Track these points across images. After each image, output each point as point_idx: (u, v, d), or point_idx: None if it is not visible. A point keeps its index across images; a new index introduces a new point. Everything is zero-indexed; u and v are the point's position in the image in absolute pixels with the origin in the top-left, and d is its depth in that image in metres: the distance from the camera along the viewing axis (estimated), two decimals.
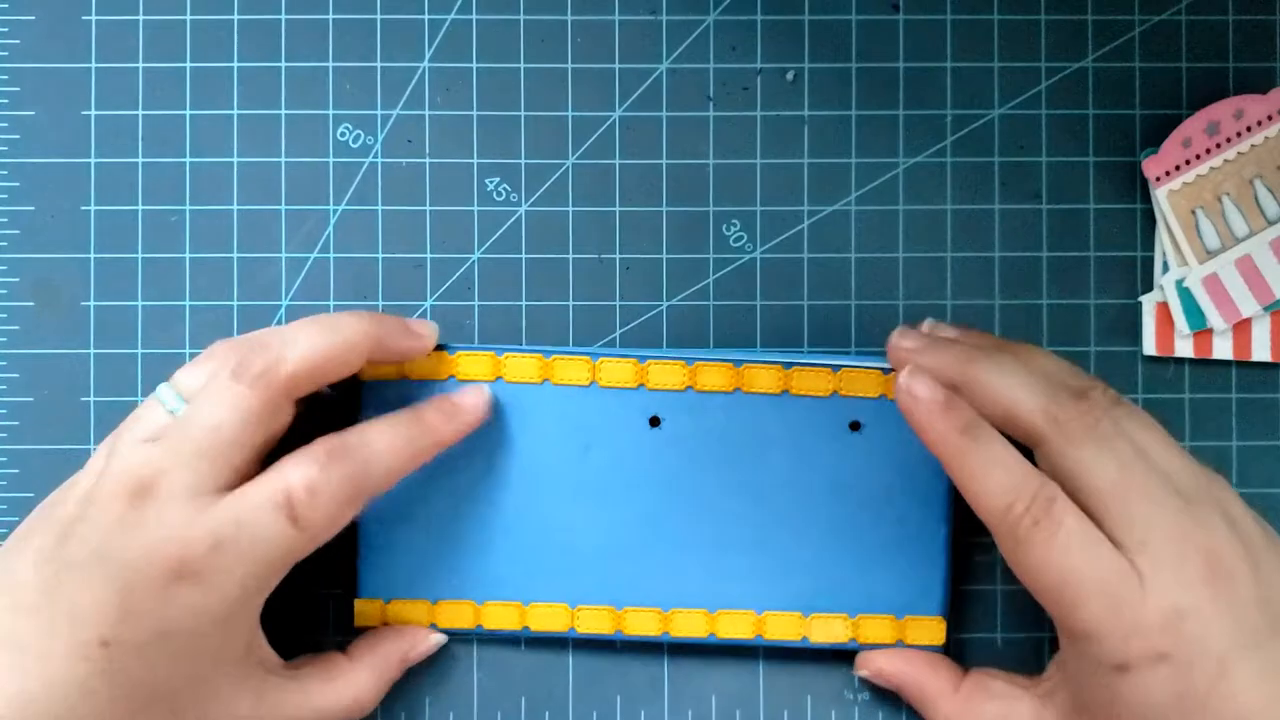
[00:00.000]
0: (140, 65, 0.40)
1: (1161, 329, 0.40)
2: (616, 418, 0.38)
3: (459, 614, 0.38)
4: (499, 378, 0.38)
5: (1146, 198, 0.40)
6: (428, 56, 0.40)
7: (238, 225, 0.40)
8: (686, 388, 0.38)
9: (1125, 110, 0.40)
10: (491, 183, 0.40)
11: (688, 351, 0.38)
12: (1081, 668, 0.33)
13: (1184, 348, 0.40)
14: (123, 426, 0.34)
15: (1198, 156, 0.39)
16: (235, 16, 0.40)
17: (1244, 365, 0.40)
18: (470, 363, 0.38)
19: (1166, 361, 0.40)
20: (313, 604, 0.40)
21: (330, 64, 0.40)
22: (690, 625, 0.38)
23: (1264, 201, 0.39)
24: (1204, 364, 0.40)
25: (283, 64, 0.40)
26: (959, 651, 0.39)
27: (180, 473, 0.32)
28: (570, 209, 0.40)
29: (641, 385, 0.38)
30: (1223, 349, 0.40)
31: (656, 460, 0.38)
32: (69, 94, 0.40)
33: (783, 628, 0.38)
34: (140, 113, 0.40)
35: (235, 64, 0.40)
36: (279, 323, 0.40)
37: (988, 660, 0.39)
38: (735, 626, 0.38)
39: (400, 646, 0.38)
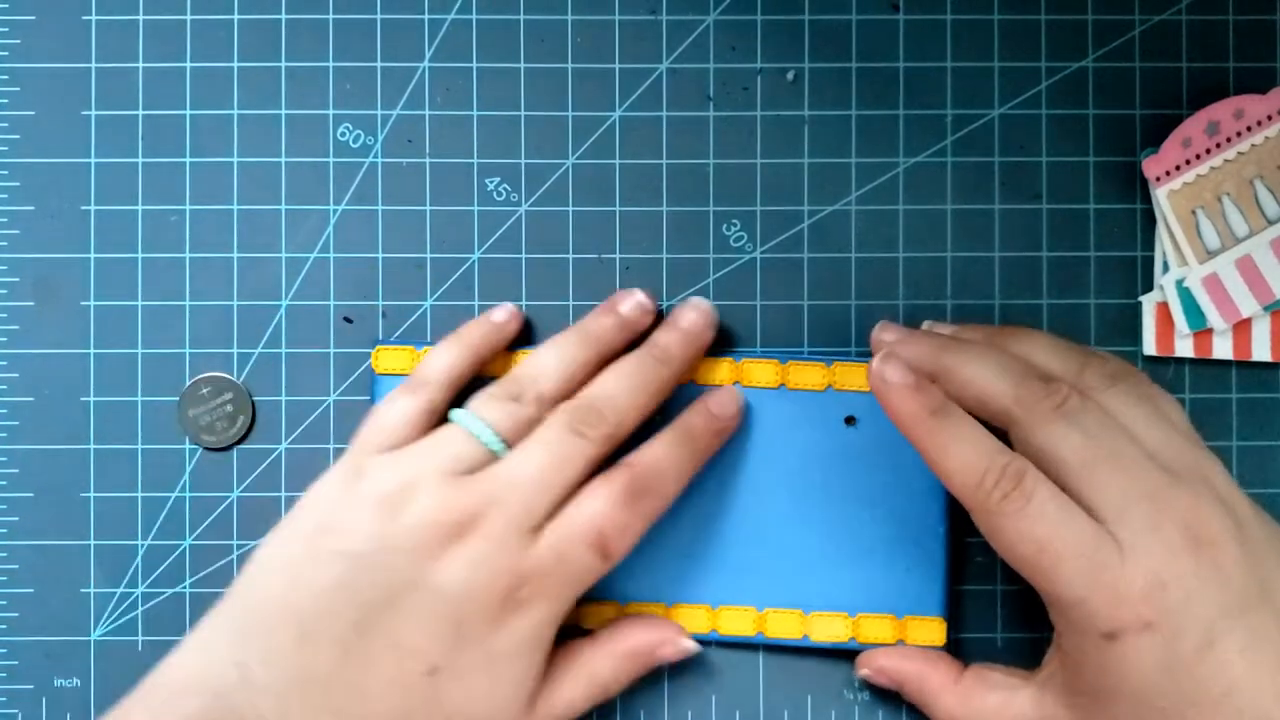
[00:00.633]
0: (140, 65, 0.40)
1: (1162, 329, 0.40)
2: None
3: None
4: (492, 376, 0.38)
5: (1146, 198, 0.40)
6: (428, 56, 0.40)
7: (238, 225, 0.40)
8: (689, 382, 0.38)
9: (1125, 110, 0.40)
10: (491, 183, 0.40)
11: None
12: (1073, 641, 0.33)
13: (1184, 348, 0.40)
14: (416, 455, 0.35)
15: (1198, 156, 0.39)
16: (235, 16, 0.40)
17: (1244, 365, 0.40)
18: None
19: (1167, 361, 0.40)
20: None
21: (330, 64, 0.40)
22: (694, 621, 0.38)
23: (1264, 201, 0.39)
24: (1204, 364, 0.40)
25: (283, 64, 0.40)
26: (959, 651, 0.39)
27: (507, 511, 0.34)
28: (570, 209, 0.40)
29: None
30: (1223, 349, 0.40)
31: None
32: (69, 94, 0.40)
33: (783, 625, 0.38)
34: (140, 113, 0.40)
35: (235, 64, 0.40)
36: (279, 323, 0.40)
37: (987, 660, 0.39)
38: (737, 623, 0.38)
39: (648, 642, 0.37)
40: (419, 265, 0.40)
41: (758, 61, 0.40)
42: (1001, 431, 0.34)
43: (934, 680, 0.37)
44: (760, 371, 0.38)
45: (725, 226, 0.40)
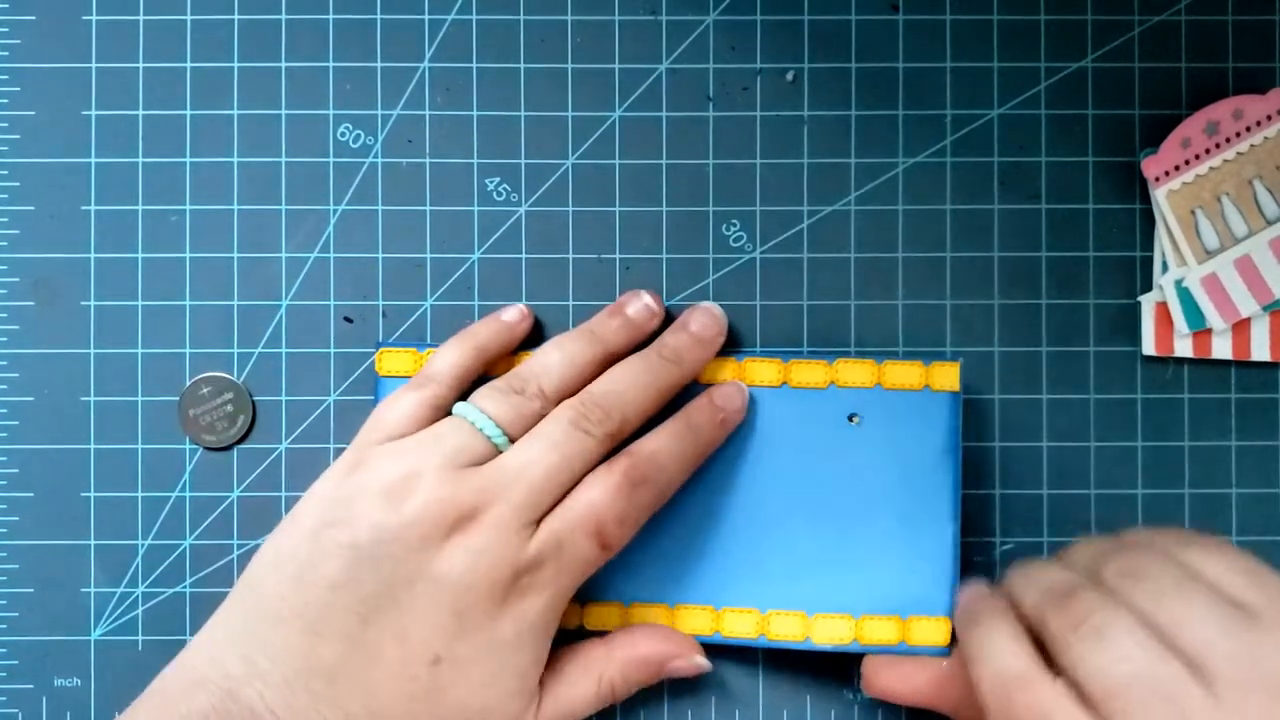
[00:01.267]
0: (140, 65, 0.40)
1: (1161, 329, 0.40)
2: None
3: None
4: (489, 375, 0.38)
5: (1146, 198, 0.40)
6: (428, 56, 0.40)
7: (238, 225, 0.40)
8: (692, 382, 0.38)
9: (1124, 110, 0.40)
10: (491, 183, 0.40)
11: None
12: None
13: (1183, 347, 0.40)
14: (417, 446, 0.35)
15: (1197, 157, 0.39)
16: (235, 16, 0.40)
17: (1243, 365, 0.40)
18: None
19: (1166, 361, 0.40)
20: None
21: (330, 64, 0.40)
22: (697, 623, 0.38)
23: (1263, 201, 0.39)
24: (1203, 364, 0.40)
25: (283, 64, 0.40)
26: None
27: (509, 504, 0.34)
28: (570, 209, 0.40)
29: None
30: (1222, 349, 0.40)
31: None
32: (69, 94, 0.40)
33: (787, 628, 0.38)
34: (140, 113, 0.40)
35: (235, 64, 0.40)
36: (279, 323, 0.40)
37: None
38: (740, 625, 0.38)
39: (660, 654, 0.38)
40: (419, 265, 0.40)
41: (757, 62, 0.40)
42: None
43: (939, 703, 0.37)
44: (762, 370, 0.38)
45: (725, 226, 0.40)
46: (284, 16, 0.40)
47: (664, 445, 0.36)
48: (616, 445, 0.36)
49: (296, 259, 0.40)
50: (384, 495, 0.34)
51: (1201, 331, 0.40)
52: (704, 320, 0.38)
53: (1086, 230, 0.40)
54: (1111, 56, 0.40)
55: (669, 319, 0.39)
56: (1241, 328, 0.40)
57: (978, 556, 0.40)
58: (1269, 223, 0.39)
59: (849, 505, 0.38)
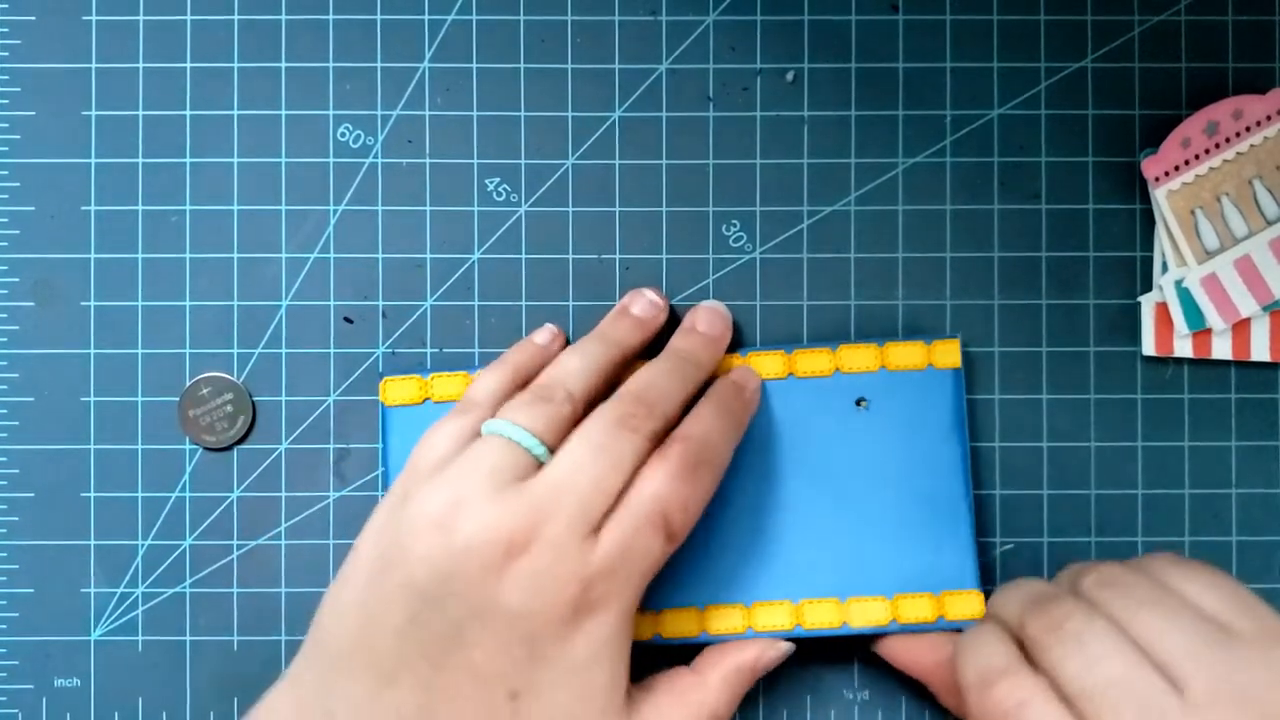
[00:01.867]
0: (140, 65, 0.40)
1: (1161, 329, 0.40)
2: None
3: None
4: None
5: (1146, 198, 0.40)
6: (428, 57, 0.40)
7: (238, 225, 0.40)
8: None
9: (1124, 110, 0.40)
10: (491, 183, 0.40)
11: None
12: None
13: (1183, 348, 0.40)
14: (458, 472, 0.33)
15: (1197, 157, 0.39)
16: (235, 17, 0.40)
17: (1243, 365, 0.40)
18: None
19: (1166, 361, 0.40)
20: None
21: (330, 64, 0.40)
22: (729, 621, 0.38)
23: (1263, 202, 0.39)
24: (1203, 364, 0.40)
25: (283, 64, 0.40)
26: None
27: (564, 518, 0.32)
28: (570, 209, 0.40)
29: None
30: (1222, 349, 0.40)
31: None
32: (69, 94, 0.40)
33: (821, 615, 0.38)
34: (140, 113, 0.40)
35: (235, 64, 0.40)
36: (279, 323, 0.40)
37: None
38: (774, 618, 0.38)
39: (750, 654, 0.37)
40: (419, 265, 0.40)
41: (757, 62, 0.40)
42: None
43: (949, 676, 0.37)
44: (767, 363, 0.39)
45: (725, 227, 0.40)
46: (284, 17, 0.40)
47: (709, 423, 0.35)
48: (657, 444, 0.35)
49: (296, 259, 0.40)
50: (434, 528, 0.32)
51: (1201, 332, 0.40)
52: (710, 319, 0.38)
53: (1086, 230, 0.40)
54: (1111, 56, 0.40)
55: (671, 320, 0.39)
56: (1241, 328, 0.40)
57: (979, 557, 0.40)
58: (1269, 223, 0.39)
59: (866, 488, 0.38)
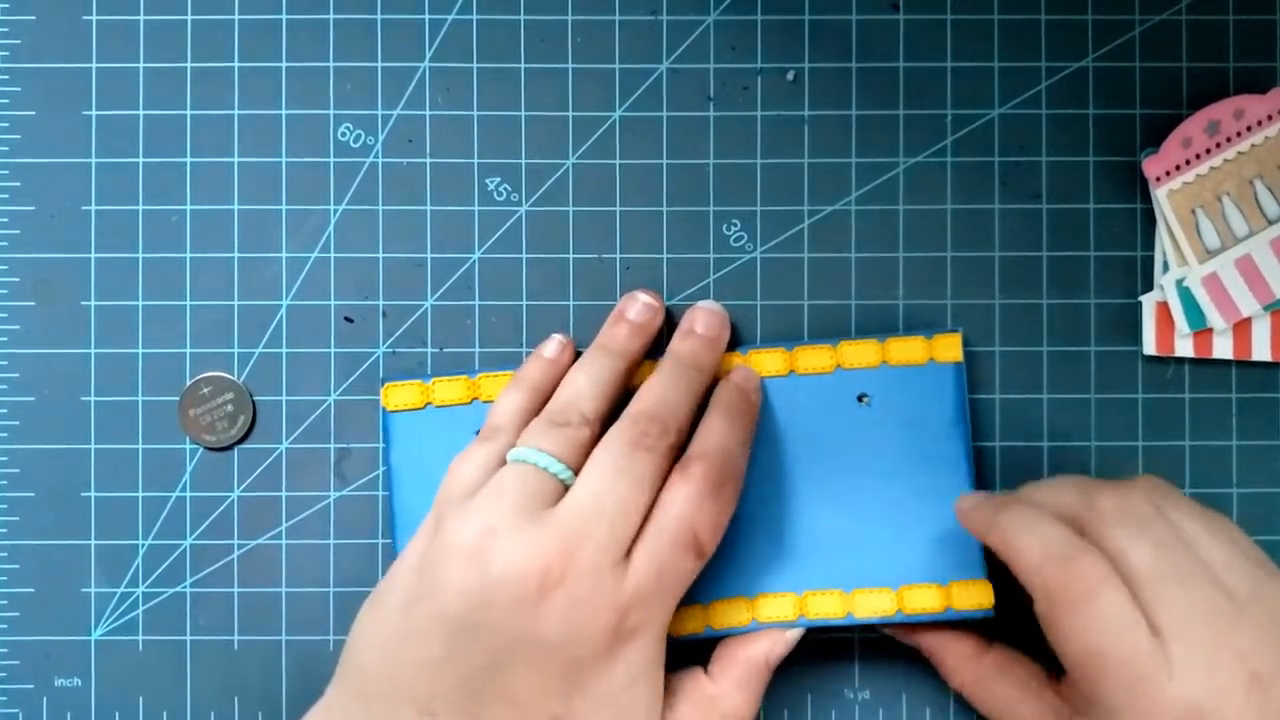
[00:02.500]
0: (141, 65, 0.40)
1: (1162, 328, 0.40)
2: None
3: None
4: (474, 399, 0.39)
5: (1146, 197, 0.40)
6: (428, 56, 0.40)
7: (238, 225, 0.40)
8: None
9: (1125, 110, 0.40)
10: (492, 182, 0.40)
11: None
12: None
13: (1184, 347, 0.40)
14: (487, 502, 0.33)
15: (1198, 156, 0.39)
16: (236, 16, 0.40)
17: (1244, 365, 0.40)
18: (492, 384, 0.39)
19: (1166, 361, 0.40)
20: None
21: (331, 64, 0.40)
22: (733, 615, 0.38)
23: (1264, 201, 0.39)
24: (1204, 364, 0.40)
25: (283, 64, 0.40)
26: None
27: (594, 546, 0.33)
28: (570, 209, 0.40)
29: None
30: (1223, 348, 0.40)
31: None
32: (69, 94, 0.40)
33: (825, 606, 0.38)
34: (141, 112, 0.40)
35: (236, 64, 0.40)
36: (279, 322, 0.40)
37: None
38: (777, 609, 0.38)
39: (760, 650, 0.37)
40: (419, 265, 0.40)
41: (758, 61, 0.40)
42: None
43: (956, 649, 0.37)
44: (768, 361, 0.39)
45: (725, 226, 0.40)
46: (284, 16, 0.40)
47: (724, 434, 0.35)
48: (676, 456, 0.35)
49: (297, 259, 0.40)
50: (467, 559, 0.32)
51: (1202, 331, 0.40)
52: (707, 320, 0.38)
53: (1087, 230, 0.40)
54: (1112, 56, 0.40)
55: (671, 320, 0.39)
56: (1242, 327, 0.40)
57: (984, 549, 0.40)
58: (1270, 222, 0.39)
59: (869, 482, 0.38)
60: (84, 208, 0.40)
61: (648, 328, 0.38)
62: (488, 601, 0.32)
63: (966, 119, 0.40)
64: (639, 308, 0.39)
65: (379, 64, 0.40)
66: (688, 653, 0.38)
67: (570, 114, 0.40)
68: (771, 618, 0.37)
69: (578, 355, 0.39)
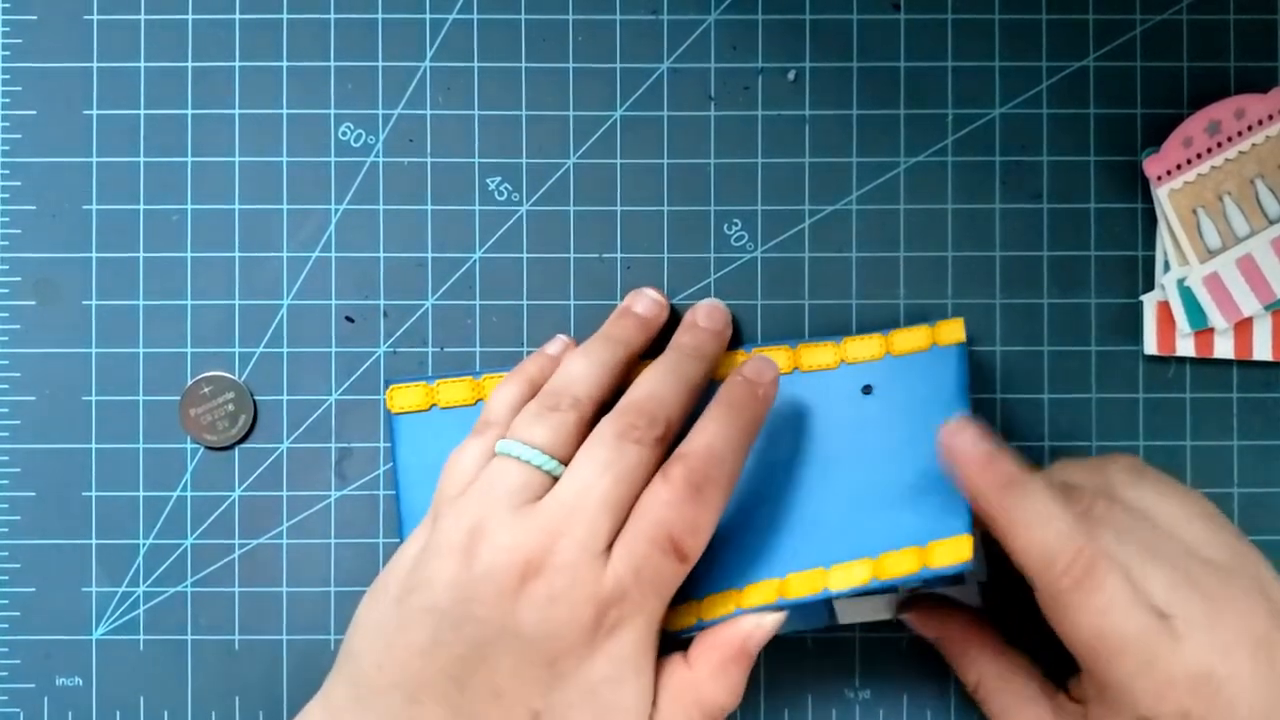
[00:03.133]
0: (142, 65, 0.40)
1: (1163, 328, 0.40)
2: None
3: None
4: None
5: (1147, 197, 0.40)
6: (429, 56, 0.40)
7: (239, 224, 0.40)
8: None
9: (1126, 110, 0.40)
10: (493, 182, 0.40)
11: None
12: (1105, 712, 0.33)
13: (1185, 347, 0.40)
14: (476, 497, 0.34)
15: (1199, 156, 0.39)
16: (236, 16, 0.40)
17: (1245, 364, 0.40)
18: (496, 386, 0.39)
19: (1167, 361, 0.40)
20: None
21: (332, 63, 0.40)
22: (720, 607, 0.37)
23: (1265, 200, 0.39)
24: (1205, 363, 0.40)
25: (284, 63, 0.40)
26: None
27: (573, 541, 0.33)
28: (571, 209, 0.40)
29: None
30: (1224, 348, 0.40)
31: None
32: (70, 93, 0.40)
33: (803, 585, 0.36)
34: (142, 112, 0.40)
35: (237, 63, 0.40)
36: (280, 322, 0.40)
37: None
38: (760, 595, 0.36)
39: (738, 634, 0.36)
40: (420, 265, 0.40)
41: (759, 61, 0.40)
42: None
43: (973, 649, 0.37)
44: (774, 358, 0.38)
45: (726, 226, 0.40)
46: (285, 16, 0.40)
47: (715, 435, 0.35)
48: (667, 449, 0.35)
49: (298, 258, 0.40)
50: (456, 553, 0.33)
51: (1203, 331, 0.40)
52: (711, 313, 0.38)
53: (1088, 229, 0.40)
54: (1113, 56, 0.40)
55: (672, 319, 0.39)
56: (1243, 327, 0.40)
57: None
58: (1270, 222, 0.39)
59: (869, 471, 0.37)
60: (85, 207, 0.40)
61: (653, 323, 0.38)
62: (472, 594, 0.32)
63: (967, 118, 0.40)
64: (646, 302, 0.39)
65: (380, 63, 0.40)
66: (683, 647, 0.37)
67: (571, 113, 0.40)
68: (754, 603, 0.37)
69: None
